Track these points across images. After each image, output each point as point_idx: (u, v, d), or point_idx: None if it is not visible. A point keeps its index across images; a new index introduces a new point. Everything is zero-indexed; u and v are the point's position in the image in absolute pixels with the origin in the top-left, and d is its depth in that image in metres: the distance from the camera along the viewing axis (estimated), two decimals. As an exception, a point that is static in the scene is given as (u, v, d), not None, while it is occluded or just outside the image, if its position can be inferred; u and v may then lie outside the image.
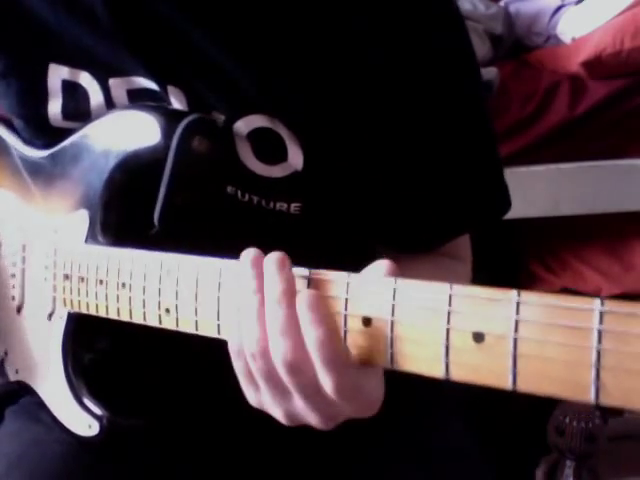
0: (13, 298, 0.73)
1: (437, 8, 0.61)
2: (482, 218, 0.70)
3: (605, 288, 1.58)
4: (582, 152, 1.51)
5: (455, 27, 0.63)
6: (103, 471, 0.68)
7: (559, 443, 1.27)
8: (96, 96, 0.66)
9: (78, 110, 0.67)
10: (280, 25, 0.59)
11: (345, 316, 0.44)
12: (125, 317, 0.59)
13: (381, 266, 0.45)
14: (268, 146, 0.62)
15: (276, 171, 0.63)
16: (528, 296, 0.35)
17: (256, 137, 0.61)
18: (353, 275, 0.44)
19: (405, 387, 0.59)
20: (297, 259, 0.49)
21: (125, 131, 0.63)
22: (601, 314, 0.32)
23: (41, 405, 0.71)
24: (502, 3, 1.86)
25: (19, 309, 0.73)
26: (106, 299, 0.61)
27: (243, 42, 0.60)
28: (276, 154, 0.62)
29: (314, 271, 0.46)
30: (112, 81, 0.65)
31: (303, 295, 0.45)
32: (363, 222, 0.68)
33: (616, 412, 1.58)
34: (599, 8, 1.61)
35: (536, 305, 0.35)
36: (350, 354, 0.45)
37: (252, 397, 0.50)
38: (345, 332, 0.44)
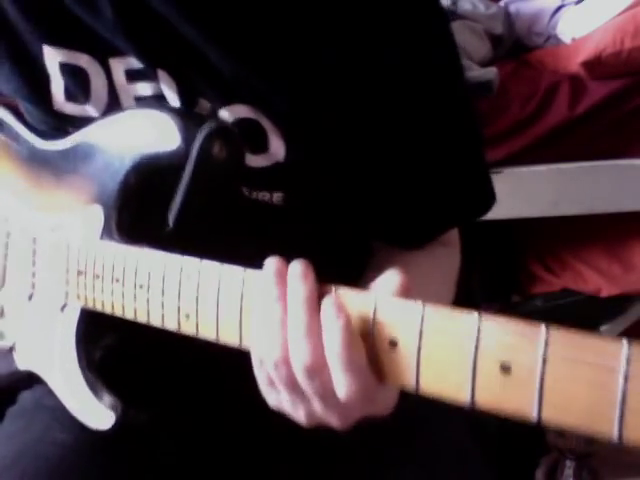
0: (24, 287, 0.73)
1: (420, 7, 0.62)
2: (469, 212, 0.70)
3: (605, 288, 1.58)
4: (582, 152, 1.51)
5: (439, 27, 0.64)
6: (98, 472, 0.67)
7: (559, 443, 1.27)
8: (97, 77, 0.66)
9: (80, 91, 0.68)
10: (263, 17, 0.60)
11: (372, 336, 0.44)
12: (142, 319, 0.59)
13: (393, 280, 0.46)
14: (251, 136, 0.63)
15: (259, 161, 0.64)
16: (556, 333, 0.36)
17: (240, 127, 0.62)
18: (380, 296, 0.44)
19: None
20: (283, 251, 0.49)
21: (143, 132, 0.64)
22: (628, 356, 0.33)
23: (39, 406, 0.71)
24: (502, 3, 1.86)
25: (30, 297, 0.73)
26: (122, 297, 0.60)
27: (226, 32, 0.61)
28: (259, 144, 0.63)
29: (340, 289, 0.46)
30: (112, 61, 0.65)
31: (330, 297, 0.46)
32: (348, 214, 0.68)
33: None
34: (599, 8, 1.61)
35: (564, 343, 0.35)
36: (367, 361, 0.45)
37: (273, 401, 0.51)
38: (371, 353, 0.44)
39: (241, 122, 0.62)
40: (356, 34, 0.60)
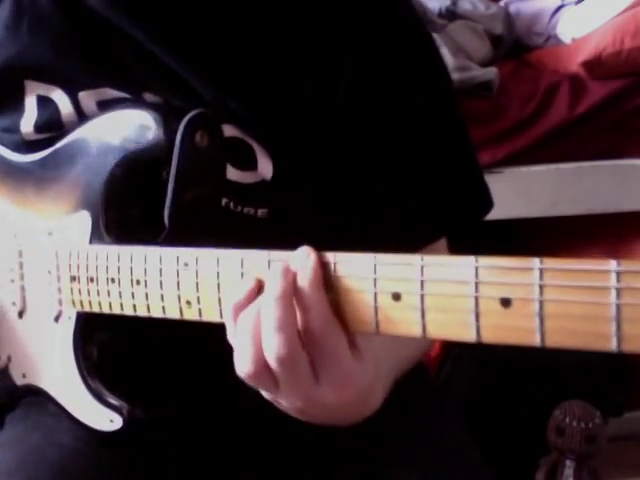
0: (14, 303, 0.72)
1: (402, 16, 0.63)
2: (461, 220, 0.70)
3: (605, 288, 1.58)
4: (582, 152, 1.51)
5: (420, 33, 0.65)
6: (103, 474, 0.67)
7: (559, 443, 1.27)
8: (66, 110, 0.68)
9: (50, 122, 0.68)
10: (242, 41, 0.61)
11: (375, 294, 0.45)
12: (142, 313, 0.59)
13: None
14: (239, 154, 0.64)
15: (245, 177, 0.64)
16: (550, 262, 0.39)
17: (229, 144, 0.63)
18: (379, 255, 0.45)
19: (404, 387, 0.59)
20: None
21: (123, 130, 0.63)
22: (618, 273, 0.36)
23: (42, 411, 0.71)
24: (502, 3, 1.87)
25: (21, 314, 0.72)
26: (120, 297, 0.60)
27: (205, 58, 0.62)
28: (247, 162, 0.64)
29: (340, 255, 0.47)
30: (82, 94, 0.67)
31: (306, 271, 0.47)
32: (334, 225, 0.68)
33: (616, 412, 1.58)
34: (599, 8, 1.61)
35: (557, 270, 0.39)
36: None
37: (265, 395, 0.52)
38: (375, 308, 0.45)
39: (229, 140, 0.63)
40: (339, 48, 0.60)
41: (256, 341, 0.48)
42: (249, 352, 0.48)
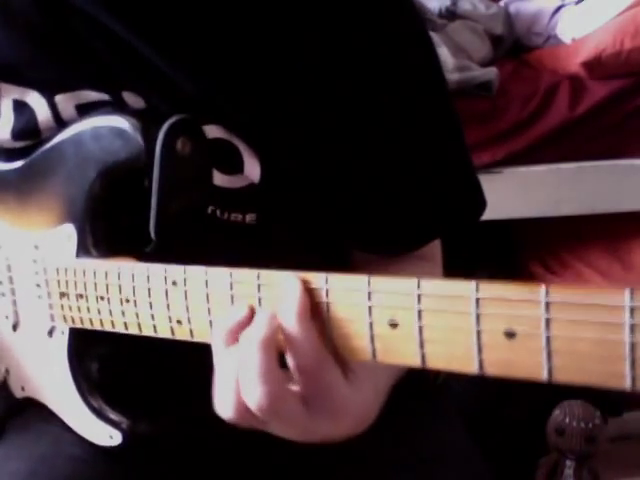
0: (7, 317, 0.71)
1: (392, 10, 0.61)
2: (455, 221, 0.68)
3: (605, 288, 1.58)
4: (582, 152, 1.51)
5: (414, 28, 0.63)
6: None
7: (559, 443, 1.27)
8: (43, 114, 0.64)
9: (27, 129, 0.65)
10: (226, 35, 0.58)
11: (370, 323, 0.43)
12: (134, 331, 0.58)
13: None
14: (225, 157, 0.61)
15: (232, 182, 0.62)
16: (557, 294, 0.36)
17: (214, 147, 0.60)
18: (374, 279, 0.43)
19: (404, 388, 0.59)
20: (258, 268, 0.48)
21: (101, 139, 0.60)
22: (632, 309, 0.33)
23: (46, 418, 0.70)
24: (502, 3, 1.87)
25: (15, 327, 0.70)
26: (110, 314, 0.59)
27: (188, 52, 0.59)
28: (233, 165, 0.61)
29: (333, 278, 0.45)
30: (59, 97, 0.63)
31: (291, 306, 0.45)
32: (327, 228, 0.67)
33: (616, 412, 1.58)
34: (599, 8, 1.61)
35: (565, 302, 0.35)
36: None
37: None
38: (372, 337, 0.43)
39: (213, 142, 0.60)
40: (326, 45, 0.58)
41: (237, 388, 0.46)
42: (230, 398, 0.47)
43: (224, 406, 0.48)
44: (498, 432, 1.44)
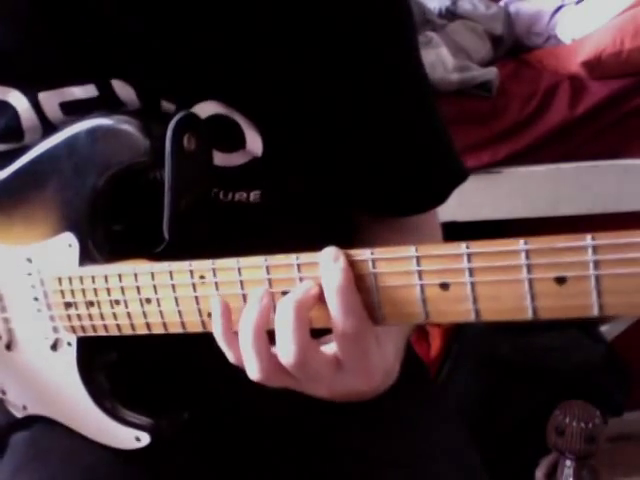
0: (7, 331, 0.68)
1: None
2: (441, 188, 0.70)
3: (605, 288, 1.58)
4: (582, 152, 1.51)
5: (400, 21, 0.64)
6: None
7: (559, 443, 1.27)
8: (26, 114, 0.61)
9: (9, 131, 0.62)
10: (226, 7, 0.58)
11: (422, 286, 0.45)
12: (158, 330, 0.56)
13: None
14: (225, 134, 0.60)
15: (234, 159, 0.61)
16: (602, 239, 0.39)
17: (212, 125, 0.59)
18: (420, 246, 0.45)
19: (404, 388, 0.59)
20: (263, 249, 0.49)
21: (101, 141, 0.58)
22: None
23: (54, 432, 0.68)
24: (502, 3, 1.87)
25: (9, 346, 0.68)
26: (129, 318, 0.57)
27: (186, 28, 0.58)
28: (234, 141, 0.60)
29: (378, 251, 0.46)
30: (42, 95, 0.60)
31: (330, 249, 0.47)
32: (328, 197, 0.68)
33: (616, 412, 1.58)
34: (599, 8, 1.61)
35: (611, 245, 0.38)
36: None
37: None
38: (424, 300, 0.45)
39: (212, 119, 0.59)
40: (320, 25, 0.59)
41: (262, 352, 0.48)
42: (255, 363, 0.49)
43: (251, 371, 0.49)
44: (498, 432, 1.44)
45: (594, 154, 1.51)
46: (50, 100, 0.61)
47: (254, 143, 0.60)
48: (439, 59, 1.50)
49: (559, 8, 1.73)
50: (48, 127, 0.62)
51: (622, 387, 1.58)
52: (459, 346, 1.52)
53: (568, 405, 1.26)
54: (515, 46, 1.81)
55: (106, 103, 0.60)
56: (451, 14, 1.76)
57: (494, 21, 1.75)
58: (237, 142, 0.60)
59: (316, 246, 0.48)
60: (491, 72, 1.50)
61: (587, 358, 1.54)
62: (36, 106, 0.61)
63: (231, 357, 0.51)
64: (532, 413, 1.39)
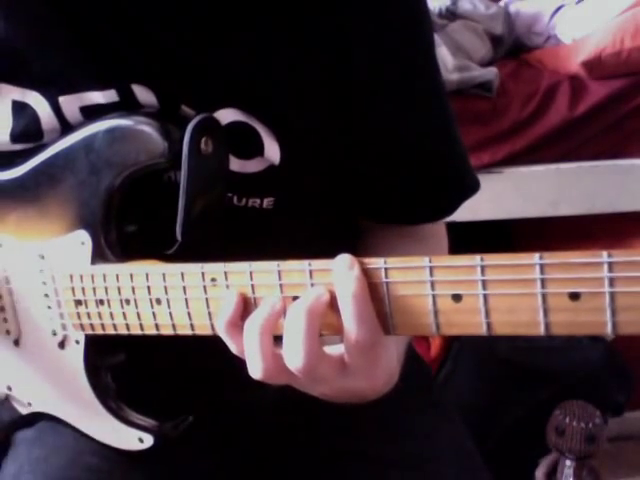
0: (8, 332, 0.68)
1: (403, 9, 0.62)
2: (455, 200, 0.70)
3: (605, 288, 1.58)
4: (582, 152, 1.51)
5: (418, 25, 0.64)
6: None
7: (559, 443, 1.26)
8: (47, 116, 0.62)
9: (28, 132, 0.63)
10: (246, 15, 0.58)
11: (434, 296, 0.44)
12: (166, 332, 0.56)
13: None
14: (243, 140, 0.60)
15: (251, 166, 0.61)
16: (618, 256, 0.38)
17: (231, 131, 0.59)
18: (434, 257, 0.44)
19: (404, 387, 0.59)
20: (273, 254, 0.49)
21: (119, 141, 0.59)
22: None
23: (58, 430, 0.68)
24: (502, 3, 1.87)
25: (17, 342, 0.68)
26: (138, 318, 0.57)
27: (207, 34, 0.58)
28: (252, 149, 0.61)
29: (391, 260, 0.46)
30: (62, 99, 0.61)
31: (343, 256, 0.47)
32: (341, 205, 0.68)
33: (616, 412, 1.58)
34: (599, 8, 1.61)
35: (627, 262, 0.38)
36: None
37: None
38: (436, 312, 0.45)
39: (232, 126, 0.60)
40: (340, 36, 0.59)
41: (266, 352, 0.48)
42: (258, 362, 0.49)
43: (254, 370, 0.49)
44: (498, 432, 1.44)
45: (594, 154, 1.51)
46: (70, 104, 0.61)
47: (272, 151, 0.61)
48: (439, 59, 1.50)
49: (559, 8, 1.73)
50: (68, 129, 0.62)
51: (622, 387, 1.58)
52: (459, 346, 1.52)
53: (568, 405, 1.26)
54: (515, 46, 1.81)
55: (127, 109, 0.60)
56: (451, 14, 1.76)
57: (494, 21, 1.75)
58: (255, 149, 0.61)
59: (326, 252, 0.48)
60: (491, 72, 1.50)
61: (587, 358, 1.54)
62: (56, 109, 0.61)
63: (234, 349, 0.51)
64: (532, 413, 1.39)
